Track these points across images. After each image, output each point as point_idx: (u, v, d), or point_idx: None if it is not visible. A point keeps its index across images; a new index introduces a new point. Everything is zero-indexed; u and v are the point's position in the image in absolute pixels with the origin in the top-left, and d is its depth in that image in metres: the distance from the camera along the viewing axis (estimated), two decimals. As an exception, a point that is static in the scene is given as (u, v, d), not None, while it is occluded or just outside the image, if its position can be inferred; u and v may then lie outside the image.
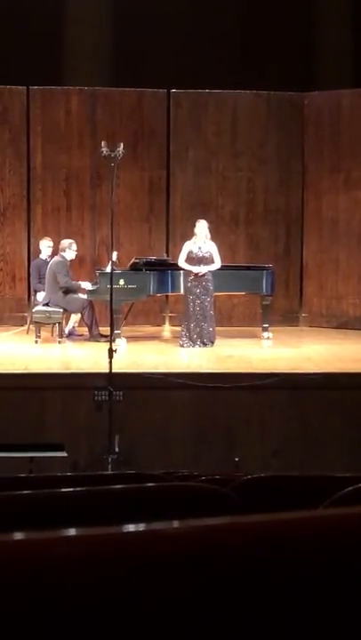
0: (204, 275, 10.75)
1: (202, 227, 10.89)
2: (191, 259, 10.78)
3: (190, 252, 10.80)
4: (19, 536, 1.14)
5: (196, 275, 10.73)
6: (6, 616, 1.07)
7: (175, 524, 1.16)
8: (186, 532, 1.17)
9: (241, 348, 10.79)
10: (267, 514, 1.21)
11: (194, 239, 10.89)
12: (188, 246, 10.88)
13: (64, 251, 11.26)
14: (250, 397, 8.78)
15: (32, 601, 1.08)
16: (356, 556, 1.17)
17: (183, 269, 10.87)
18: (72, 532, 1.16)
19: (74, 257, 11.38)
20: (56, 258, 11.28)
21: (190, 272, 10.76)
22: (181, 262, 10.82)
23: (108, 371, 8.22)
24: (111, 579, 1.09)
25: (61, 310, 10.98)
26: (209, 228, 10.95)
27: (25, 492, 2.55)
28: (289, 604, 1.15)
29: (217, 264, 10.79)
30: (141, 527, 1.14)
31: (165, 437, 8.65)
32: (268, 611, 1.14)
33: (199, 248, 10.81)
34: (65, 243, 11.35)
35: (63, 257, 11.22)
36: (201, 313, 10.73)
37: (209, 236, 10.91)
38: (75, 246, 11.36)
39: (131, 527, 1.14)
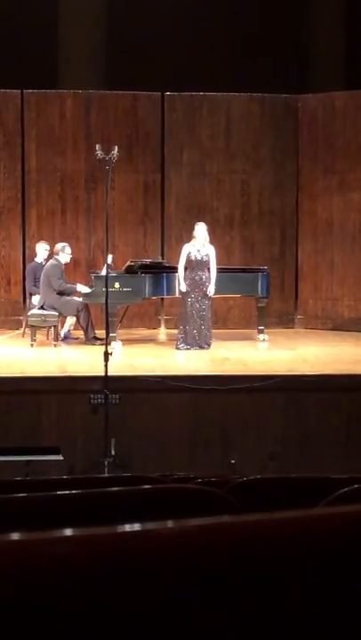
0: (201, 277, 10.72)
1: (201, 229, 10.85)
2: (190, 262, 10.75)
3: (190, 255, 10.77)
4: (15, 536, 1.14)
5: (193, 278, 10.70)
6: (5, 616, 1.07)
7: (170, 523, 1.17)
8: (181, 532, 1.18)
9: (237, 350, 10.78)
10: (262, 513, 1.21)
11: (193, 242, 10.85)
12: (187, 249, 10.82)
13: (58, 254, 11.29)
14: (246, 399, 8.78)
15: (30, 600, 1.08)
16: (352, 554, 1.17)
17: (179, 272, 10.81)
18: (68, 532, 1.16)
19: (68, 260, 11.40)
20: (51, 261, 11.31)
21: (188, 274, 10.70)
22: (181, 267, 10.77)
23: (103, 374, 8.22)
24: (107, 578, 1.09)
25: (57, 313, 10.99)
26: (207, 231, 10.94)
27: (21, 494, 2.54)
28: (286, 602, 1.16)
29: (212, 270, 10.74)
30: (137, 527, 1.14)
31: (162, 440, 8.65)
32: (264, 609, 1.15)
33: (198, 251, 10.78)
34: (58, 246, 11.39)
35: (58, 260, 11.25)
36: (199, 315, 10.71)
37: (208, 238, 10.88)
38: (68, 249, 11.38)
39: (127, 527, 1.14)
